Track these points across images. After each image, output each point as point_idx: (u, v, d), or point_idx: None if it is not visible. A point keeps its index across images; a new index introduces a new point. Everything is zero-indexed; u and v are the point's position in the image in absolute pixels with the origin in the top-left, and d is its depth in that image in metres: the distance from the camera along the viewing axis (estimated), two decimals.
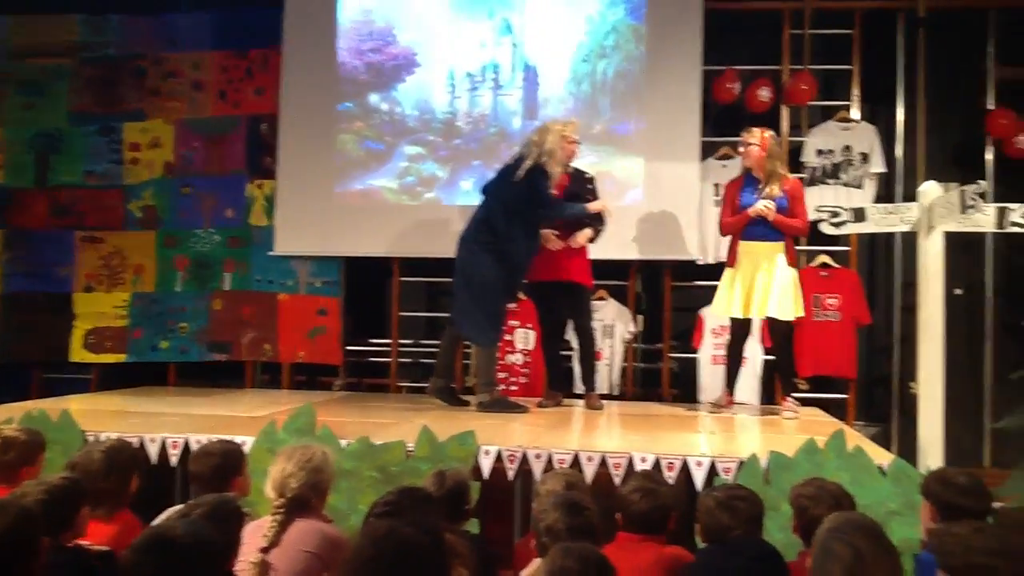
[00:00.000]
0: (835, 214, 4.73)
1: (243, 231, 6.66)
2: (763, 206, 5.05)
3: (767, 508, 3.06)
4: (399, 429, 4.36)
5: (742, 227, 5.16)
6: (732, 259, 5.22)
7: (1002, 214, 4.48)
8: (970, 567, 2.22)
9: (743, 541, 2.76)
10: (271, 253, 6.54)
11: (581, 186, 5.42)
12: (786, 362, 5.33)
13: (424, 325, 6.49)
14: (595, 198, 5.45)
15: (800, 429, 4.70)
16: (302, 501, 2.87)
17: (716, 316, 6.03)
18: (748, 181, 5.23)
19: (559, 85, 6.37)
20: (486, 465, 3.98)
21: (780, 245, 5.15)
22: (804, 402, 5.50)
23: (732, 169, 6.15)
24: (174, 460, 4.08)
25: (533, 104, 6.38)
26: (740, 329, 5.30)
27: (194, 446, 3.77)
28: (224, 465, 3.18)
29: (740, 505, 2.80)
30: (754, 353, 5.81)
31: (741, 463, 3.85)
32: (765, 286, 5.09)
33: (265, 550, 2.72)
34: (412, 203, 6.44)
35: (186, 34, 6.81)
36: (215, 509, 2.65)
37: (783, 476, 3.66)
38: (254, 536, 2.74)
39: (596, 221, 5.40)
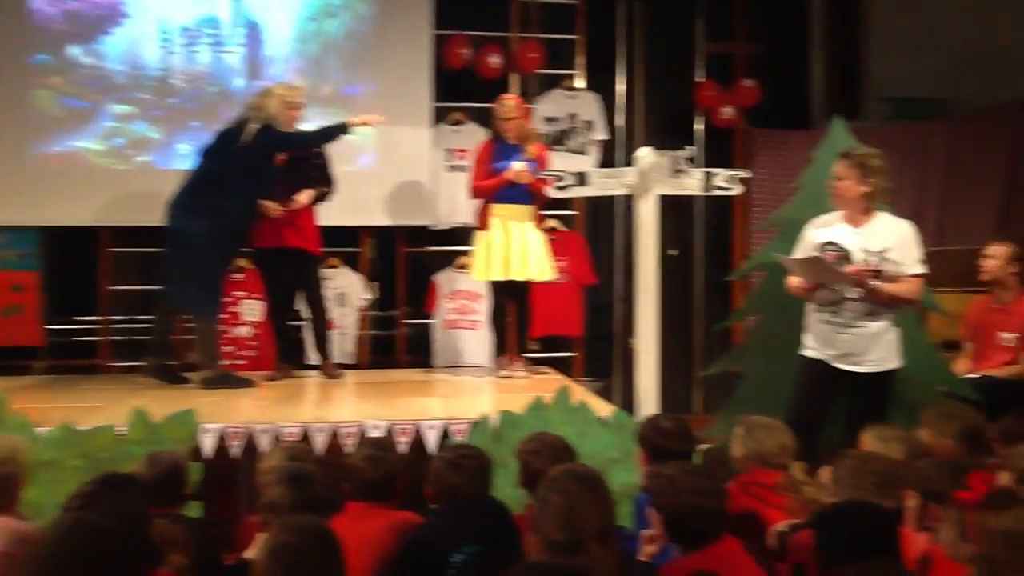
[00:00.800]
0: (559, 178, 4.85)
1: None
2: (521, 168, 5.08)
3: (498, 465, 3.12)
4: (109, 412, 4.09)
5: (496, 190, 5.17)
6: (484, 223, 5.21)
7: (708, 178, 4.78)
8: (678, 505, 2.36)
9: (472, 499, 2.80)
10: None
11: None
12: (523, 323, 5.43)
13: (138, 299, 5.98)
14: (323, 162, 5.29)
15: (530, 387, 4.83)
16: None
17: (450, 281, 6.11)
18: (500, 146, 5.23)
19: (285, 44, 6.08)
20: (208, 444, 3.85)
21: (531, 209, 5.24)
22: (534, 361, 5.66)
23: (464, 135, 6.20)
24: None
25: (257, 63, 6.05)
26: (501, 292, 5.32)
27: None
28: None
29: (468, 464, 2.83)
30: (486, 315, 5.90)
31: (473, 423, 3.90)
32: (523, 248, 5.15)
33: None
34: (122, 167, 5.92)
35: None
36: None
37: (512, 433, 3.74)
38: None
39: (323, 183, 5.23)
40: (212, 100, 5.94)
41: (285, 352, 5.39)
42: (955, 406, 3.54)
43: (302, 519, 2.25)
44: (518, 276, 5.17)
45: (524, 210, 5.22)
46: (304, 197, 5.11)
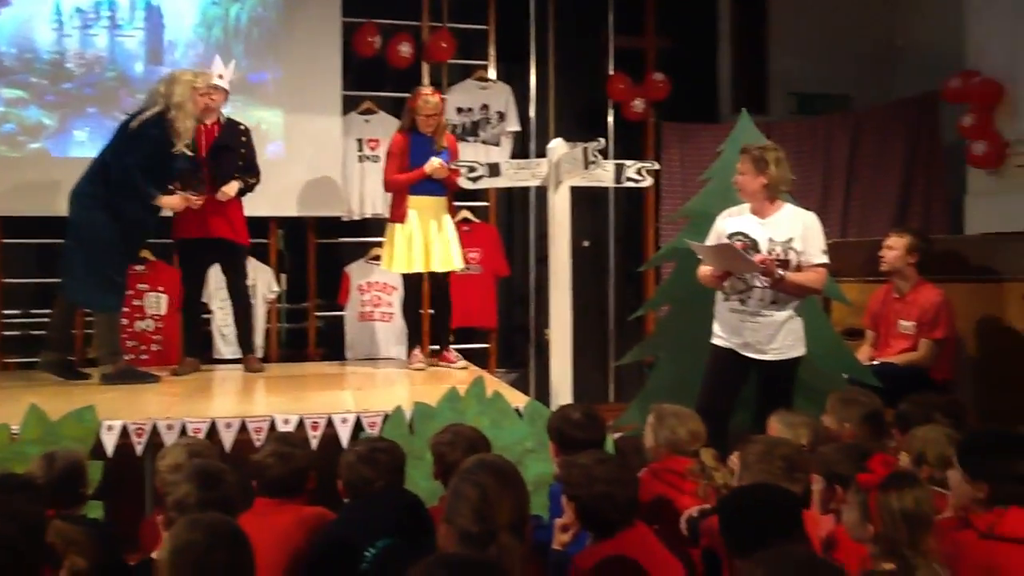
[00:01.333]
0: (471, 169, 4.82)
1: None
2: (439, 164, 5.02)
3: (413, 458, 3.09)
4: (3, 410, 3.93)
5: (412, 184, 5.09)
6: (400, 215, 5.12)
7: (619, 170, 4.82)
8: (592, 496, 2.37)
9: (386, 493, 2.76)
10: None
11: (235, 138, 5.12)
12: (447, 314, 5.39)
13: (34, 293, 5.73)
14: (249, 151, 5.17)
15: (444, 379, 4.80)
16: None
17: (362, 272, 6.04)
18: (415, 138, 5.13)
19: (188, 28, 5.88)
20: (110, 442, 3.71)
21: (446, 200, 5.22)
22: None
23: (375, 124, 6.12)
24: None
25: (158, 48, 5.84)
26: (417, 284, 5.27)
27: None
28: None
29: (381, 457, 2.80)
30: (399, 307, 5.85)
31: (386, 416, 3.86)
32: (442, 239, 5.11)
33: None
34: (14, 154, 5.62)
35: None
36: None
37: (427, 425, 3.71)
38: None
39: (249, 174, 5.09)
40: (110, 85, 5.71)
41: (192, 345, 5.24)
42: (857, 392, 3.63)
43: (208, 516, 2.17)
44: (440, 268, 5.13)
45: (440, 201, 5.19)
46: (231, 188, 4.97)
